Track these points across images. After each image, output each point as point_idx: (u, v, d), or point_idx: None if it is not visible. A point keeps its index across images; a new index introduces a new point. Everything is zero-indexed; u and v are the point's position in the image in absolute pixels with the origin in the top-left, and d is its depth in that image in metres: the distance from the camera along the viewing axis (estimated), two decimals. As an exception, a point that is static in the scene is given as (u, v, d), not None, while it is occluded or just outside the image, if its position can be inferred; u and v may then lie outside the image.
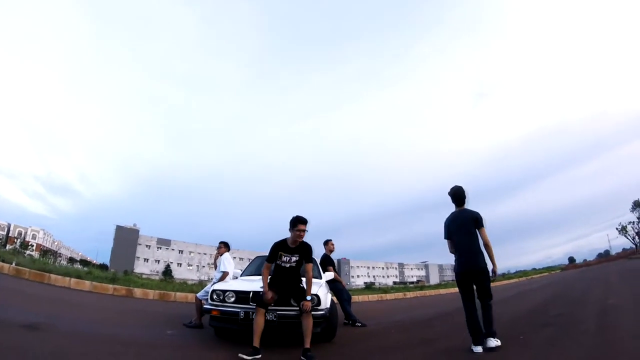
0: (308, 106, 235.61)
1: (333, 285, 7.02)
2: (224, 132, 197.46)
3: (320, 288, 4.85)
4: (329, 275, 6.68)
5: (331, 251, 7.64)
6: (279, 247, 4.29)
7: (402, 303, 16.24)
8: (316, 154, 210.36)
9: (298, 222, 4.19)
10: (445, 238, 4.41)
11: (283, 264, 4.27)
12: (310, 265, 4.30)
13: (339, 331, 5.27)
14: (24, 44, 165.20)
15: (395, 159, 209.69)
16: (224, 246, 6.70)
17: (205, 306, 4.99)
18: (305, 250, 4.31)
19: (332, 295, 5.90)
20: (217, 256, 6.71)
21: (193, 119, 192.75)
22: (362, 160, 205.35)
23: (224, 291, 4.74)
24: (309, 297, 4.08)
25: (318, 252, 7.39)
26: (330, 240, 7.74)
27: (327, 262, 7.28)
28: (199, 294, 6.19)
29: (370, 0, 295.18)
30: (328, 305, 4.76)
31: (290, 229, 4.23)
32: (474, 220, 4.21)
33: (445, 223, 4.44)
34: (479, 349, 3.82)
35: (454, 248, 4.30)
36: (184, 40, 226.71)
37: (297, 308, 4.11)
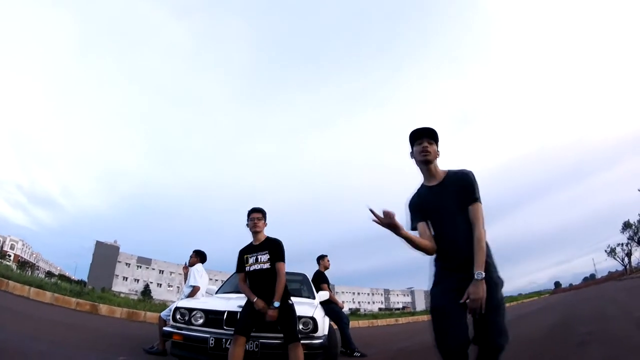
0: (293, 127, 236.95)
1: (328, 307, 5.77)
2: (208, 150, 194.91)
3: (316, 310, 3.76)
4: (324, 295, 5.46)
5: (326, 268, 6.51)
6: (244, 250, 3.52)
7: (395, 329, 15.24)
8: (299, 174, 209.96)
9: (251, 212, 3.53)
10: None
11: (252, 268, 3.36)
12: (281, 265, 3.32)
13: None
14: (11, 52, 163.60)
15: (379, 182, 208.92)
16: (196, 255, 5.48)
17: (164, 328, 3.81)
18: (273, 246, 3.43)
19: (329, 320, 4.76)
20: (185, 270, 5.46)
21: (177, 136, 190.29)
22: (345, 182, 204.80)
23: (190, 310, 3.59)
24: (276, 304, 3.08)
25: (311, 269, 6.36)
26: (326, 255, 6.64)
27: (320, 280, 6.14)
28: (162, 313, 4.97)
29: (356, 25, 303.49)
30: (326, 332, 3.68)
31: (247, 225, 3.54)
32: None
33: None
34: None
35: None
36: (171, 57, 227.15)
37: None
